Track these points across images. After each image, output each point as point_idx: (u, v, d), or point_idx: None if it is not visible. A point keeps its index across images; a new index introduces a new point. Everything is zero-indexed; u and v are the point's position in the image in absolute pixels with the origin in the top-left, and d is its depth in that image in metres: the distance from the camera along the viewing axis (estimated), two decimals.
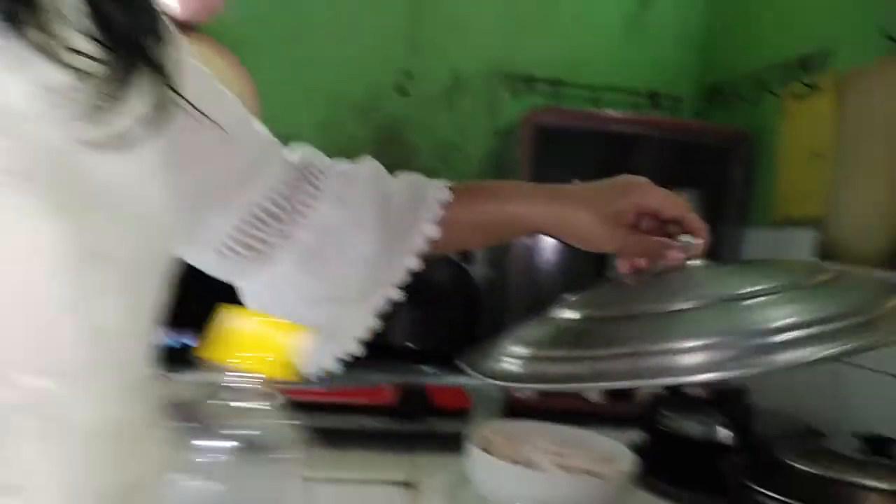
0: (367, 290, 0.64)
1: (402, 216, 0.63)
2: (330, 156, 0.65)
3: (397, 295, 0.64)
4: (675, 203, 0.60)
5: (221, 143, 0.53)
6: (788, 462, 0.75)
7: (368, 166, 0.65)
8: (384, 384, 1.06)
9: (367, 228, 0.62)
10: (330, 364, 0.65)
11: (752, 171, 1.34)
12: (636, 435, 1.02)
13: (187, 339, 1.15)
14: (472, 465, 0.86)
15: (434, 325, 1.19)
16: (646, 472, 1.01)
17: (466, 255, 1.26)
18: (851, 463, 0.73)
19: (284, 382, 0.46)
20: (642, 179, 0.62)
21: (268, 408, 0.45)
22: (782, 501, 0.70)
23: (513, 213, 0.63)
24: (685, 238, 0.56)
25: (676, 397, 1.05)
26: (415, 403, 1.05)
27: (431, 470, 0.98)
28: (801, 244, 1.14)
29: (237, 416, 0.43)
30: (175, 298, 0.39)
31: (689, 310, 0.43)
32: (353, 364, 1.15)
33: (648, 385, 0.54)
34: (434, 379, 1.08)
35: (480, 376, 0.49)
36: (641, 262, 0.59)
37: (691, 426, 0.96)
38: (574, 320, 0.48)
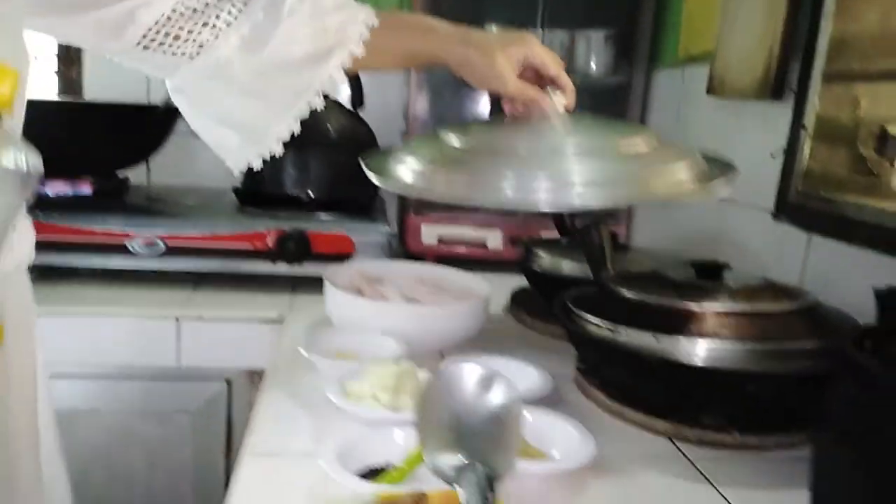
0: (295, 89, 0.67)
1: (334, 32, 0.67)
2: None
3: (318, 104, 0.68)
4: (555, 61, 0.72)
5: None
6: (614, 288, 0.77)
7: None
8: (266, 230, 1.07)
9: (299, 34, 0.66)
10: (254, 161, 0.70)
11: (661, 12, 1.28)
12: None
13: None
14: (326, 299, 0.89)
15: (325, 173, 1.18)
16: (513, 304, 1.05)
17: (358, 100, 1.24)
18: (674, 287, 0.75)
19: None
20: (532, 36, 0.72)
21: None
22: (593, 322, 0.73)
23: (428, 47, 0.71)
24: (557, 97, 0.71)
25: (549, 242, 1.06)
26: (295, 248, 1.07)
27: (304, 308, 1.02)
28: (699, 82, 1.10)
29: None
30: None
31: (529, 157, 0.62)
32: (242, 211, 1.17)
33: (489, 206, 0.69)
34: (318, 226, 1.10)
35: (378, 178, 0.68)
36: (519, 108, 0.72)
37: (551, 263, 0.98)
38: (458, 148, 0.66)
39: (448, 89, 1.35)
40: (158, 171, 1.46)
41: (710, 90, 1.05)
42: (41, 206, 1.02)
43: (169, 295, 1.05)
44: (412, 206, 1.27)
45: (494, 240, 1.26)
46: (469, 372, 0.54)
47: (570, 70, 1.27)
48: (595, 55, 1.29)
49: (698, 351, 0.66)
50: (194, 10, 0.62)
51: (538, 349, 0.89)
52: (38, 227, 0.69)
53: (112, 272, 1.07)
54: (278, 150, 0.70)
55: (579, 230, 0.90)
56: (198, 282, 1.11)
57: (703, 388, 0.68)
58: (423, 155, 0.67)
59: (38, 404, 0.69)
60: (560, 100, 0.71)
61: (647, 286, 0.75)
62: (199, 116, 0.70)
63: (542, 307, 0.97)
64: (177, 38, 0.63)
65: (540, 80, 0.72)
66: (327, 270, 0.93)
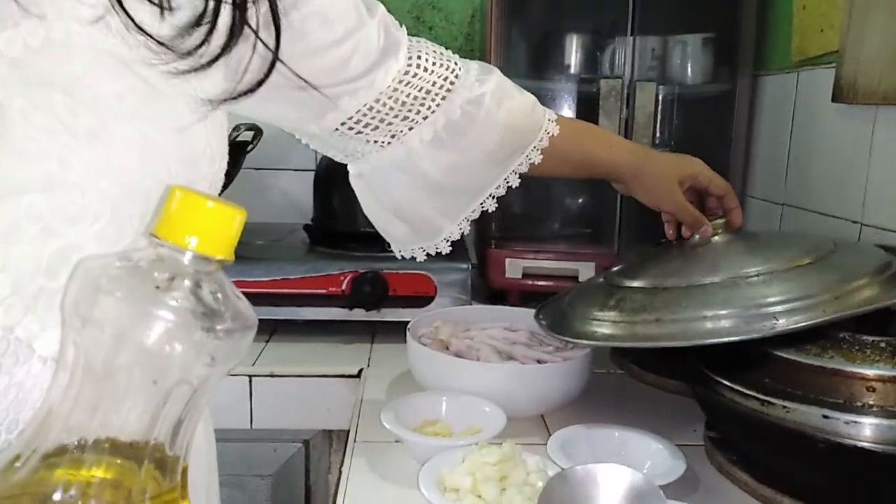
0: (473, 190, 0.70)
1: (520, 136, 0.69)
2: None
3: (492, 207, 0.71)
4: (723, 183, 0.77)
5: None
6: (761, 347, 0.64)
7: (497, 75, 0.70)
8: (341, 272, 0.99)
9: (488, 138, 0.68)
10: (419, 255, 0.74)
11: (766, 10, 1.14)
12: None
13: None
14: (409, 353, 0.80)
15: None
16: (615, 351, 0.93)
17: None
18: (838, 344, 0.62)
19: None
20: (699, 160, 0.78)
21: None
22: (737, 390, 0.61)
23: (606, 158, 0.75)
24: (719, 221, 0.74)
25: None
26: (372, 291, 0.98)
27: (385, 360, 0.93)
28: (821, 87, 0.96)
29: None
30: None
31: (709, 284, 0.64)
32: (313, 251, 1.09)
33: (683, 345, 0.63)
34: (396, 265, 1.00)
35: (568, 339, 0.72)
36: (684, 230, 0.76)
37: None
38: (633, 288, 0.69)
39: None
40: None
41: (838, 96, 0.91)
42: None
43: None
44: (494, 238, 1.16)
45: (587, 271, 1.14)
46: (606, 477, 0.43)
47: (664, 80, 1.17)
48: (692, 62, 1.16)
49: (876, 432, 0.53)
50: (396, 101, 0.63)
51: (655, 412, 0.77)
52: None
53: None
54: (445, 250, 0.72)
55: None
56: (270, 332, 1.03)
57: (881, 476, 0.55)
58: (607, 304, 0.69)
59: None
60: (721, 224, 0.74)
61: (800, 340, 0.62)
62: (374, 203, 0.71)
63: (652, 353, 0.85)
64: (375, 128, 0.63)
65: (706, 199, 0.78)
66: (409, 322, 0.84)
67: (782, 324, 0.57)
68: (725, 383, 0.62)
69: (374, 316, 0.99)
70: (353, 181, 0.71)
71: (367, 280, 0.98)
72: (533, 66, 1.18)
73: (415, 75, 0.64)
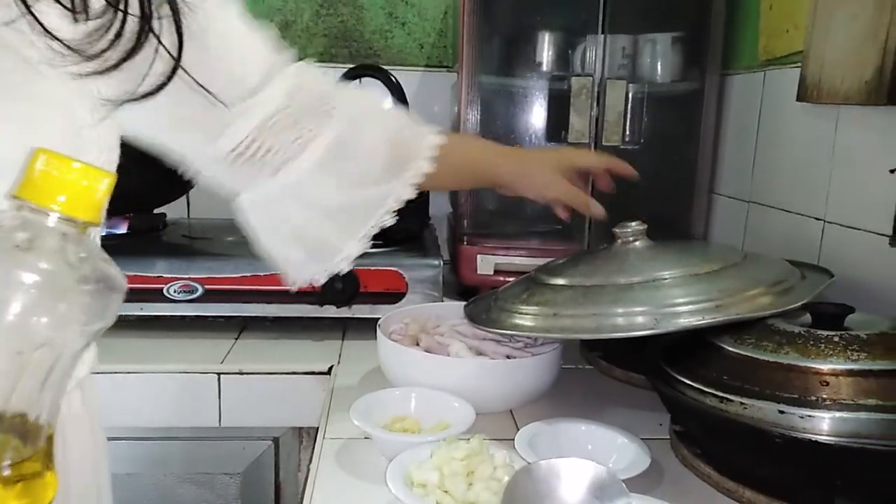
0: (368, 206, 0.70)
1: (408, 147, 0.70)
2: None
3: (390, 222, 0.71)
4: (596, 162, 0.84)
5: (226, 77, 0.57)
6: (717, 343, 0.65)
7: (375, 95, 0.75)
8: None
9: (380, 149, 0.68)
10: (317, 279, 0.73)
11: (734, 10, 1.15)
12: None
13: None
14: (379, 349, 0.80)
15: None
16: (584, 345, 0.94)
17: None
18: (792, 339, 0.63)
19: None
20: (572, 149, 0.92)
21: None
22: (695, 387, 0.62)
23: (489, 162, 0.79)
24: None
25: None
26: (343, 288, 0.98)
27: (355, 357, 0.93)
28: (786, 86, 0.98)
29: None
30: None
31: (625, 285, 0.69)
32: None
33: (602, 338, 0.71)
34: (367, 262, 1.00)
35: (492, 329, 0.75)
36: (565, 211, 0.83)
37: None
38: (557, 286, 0.73)
39: (500, 101, 1.25)
40: (199, 206, 1.39)
41: (802, 96, 0.93)
42: None
43: (210, 345, 0.97)
44: (466, 235, 1.17)
45: None
46: (569, 471, 0.44)
47: (634, 78, 1.18)
48: (662, 60, 1.17)
49: (832, 425, 0.54)
50: (287, 122, 0.62)
51: (621, 404, 0.78)
52: None
53: (146, 320, 0.99)
54: (345, 270, 0.72)
55: None
56: (239, 329, 1.03)
57: (838, 468, 0.56)
58: (531, 299, 0.74)
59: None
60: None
61: (757, 337, 0.63)
62: (270, 232, 0.69)
63: (620, 349, 0.86)
64: (267, 151, 0.63)
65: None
66: (380, 318, 0.84)
67: (681, 322, 0.64)
68: (684, 381, 0.63)
69: (345, 313, 0.99)
70: (246, 213, 0.68)
71: (338, 277, 0.98)
72: (504, 63, 1.19)
73: (301, 98, 0.63)
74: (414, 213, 1.15)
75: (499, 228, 1.17)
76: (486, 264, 1.16)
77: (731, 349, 0.63)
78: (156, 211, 1.24)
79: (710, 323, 0.63)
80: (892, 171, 0.77)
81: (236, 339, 1.00)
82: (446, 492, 0.54)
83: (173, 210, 1.28)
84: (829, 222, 0.90)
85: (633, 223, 0.77)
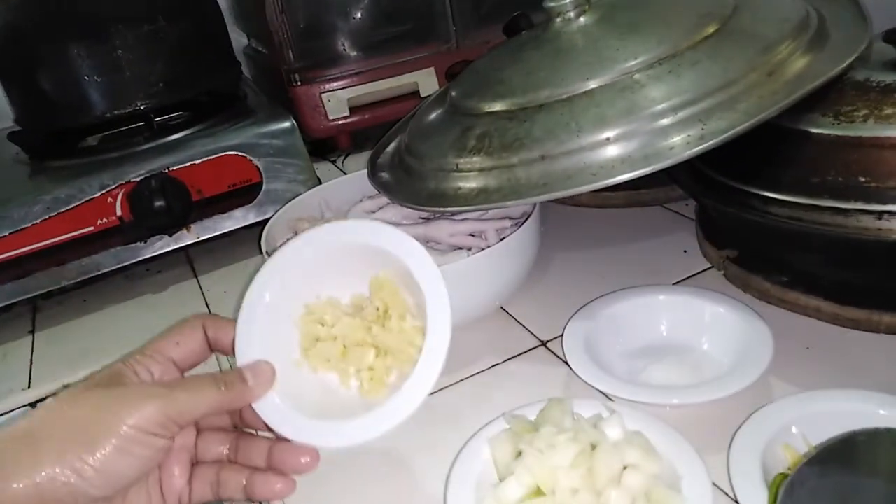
0: None
1: None
2: None
3: None
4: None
5: None
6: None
7: None
8: (103, 191, 0.63)
9: None
10: None
11: None
12: None
13: None
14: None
15: (159, 67, 0.71)
16: None
17: None
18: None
19: None
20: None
21: None
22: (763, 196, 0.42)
23: None
24: None
25: None
26: (167, 204, 0.64)
27: (227, 297, 0.63)
28: None
29: None
30: None
31: (596, 90, 0.43)
32: (44, 172, 0.70)
33: (567, 195, 0.42)
34: (185, 154, 0.66)
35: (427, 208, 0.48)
36: None
37: None
38: (495, 113, 0.47)
39: None
40: None
41: None
42: None
43: None
44: (297, 71, 0.83)
45: (428, 81, 0.87)
46: None
47: None
48: None
49: None
50: None
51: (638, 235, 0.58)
52: None
53: None
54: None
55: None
56: (30, 316, 0.67)
57: None
58: (466, 144, 0.47)
59: None
60: None
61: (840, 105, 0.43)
62: None
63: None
64: None
65: None
66: (261, 232, 0.54)
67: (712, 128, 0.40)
68: (763, 194, 0.43)
69: (183, 240, 0.66)
70: None
71: (152, 190, 0.64)
72: None
73: None
74: (222, 65, 0.78)
75: (334, 51, 0.85)
76: (336, 104, 0.85)
77: (808, 130, 0.43)
78: None
79: (760, 119, 0.39)
80: None
81: (31, 332, 0.64)
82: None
83: None
84: None
85: None
